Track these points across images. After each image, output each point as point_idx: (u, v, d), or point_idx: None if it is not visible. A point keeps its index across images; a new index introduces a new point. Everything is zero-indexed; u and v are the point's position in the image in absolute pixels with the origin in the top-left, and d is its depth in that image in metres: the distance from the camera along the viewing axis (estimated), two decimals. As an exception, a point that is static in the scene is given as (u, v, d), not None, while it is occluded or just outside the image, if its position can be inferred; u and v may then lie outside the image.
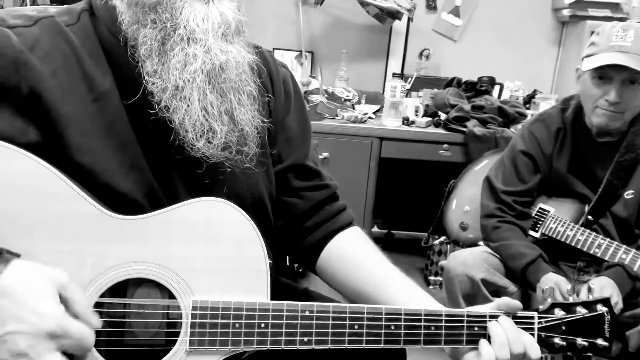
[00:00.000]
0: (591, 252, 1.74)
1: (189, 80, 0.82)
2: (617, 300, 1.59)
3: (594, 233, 1.75)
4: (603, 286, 1.60)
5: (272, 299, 0.85)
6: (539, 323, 0.92)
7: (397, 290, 0.97)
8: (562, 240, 1.81)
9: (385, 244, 3.51)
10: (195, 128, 0.83)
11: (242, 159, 0.89)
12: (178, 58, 0.81)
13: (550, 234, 1.85)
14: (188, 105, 0.82)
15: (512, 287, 1.82)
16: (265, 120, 0.95)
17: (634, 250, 1.67)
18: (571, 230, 1.79)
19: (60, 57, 0.82)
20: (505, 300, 0.91)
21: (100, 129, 0.84)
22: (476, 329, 0.89)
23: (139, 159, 0.87)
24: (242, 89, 0.87)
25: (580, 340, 0.91)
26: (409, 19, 3.25)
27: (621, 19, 2.98)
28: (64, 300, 0.71)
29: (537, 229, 1.89)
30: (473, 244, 2.07)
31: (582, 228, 1.78)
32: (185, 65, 0.81)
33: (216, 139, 0.85)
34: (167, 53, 0.82)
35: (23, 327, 0.66)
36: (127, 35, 0.84)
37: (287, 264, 1.29)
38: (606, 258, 1.71)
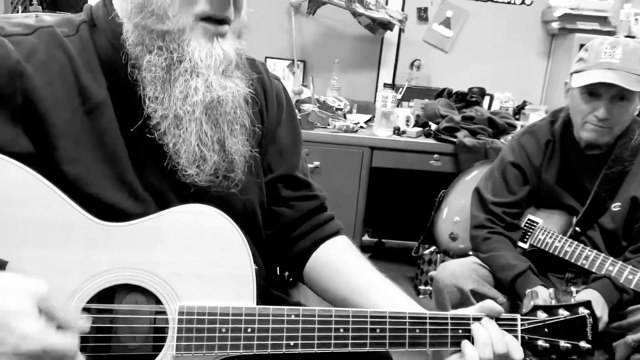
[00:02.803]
0: (579, 263, 1.75)
1: (188, 112, 0.85)
2: (601, 315, 1.60)
3: (582, 245, 1.76)
4: (591, 298, 1.61)
5: (262, 307, 0.86)
6: (522, 325, 0.93)
7: (381, 296, 0.98)
8: (550, 251, 1.82)
9: (376, 252, 3.51)
10: (189, 155, 0.86)
11: (228, 185, 0.92)
12: (181, 89, 0.84)
13: (538, 245, 1.86)
14: (185, 135, 0.85)
15: (501, 298, 1.82)
16: (256, 150, 0.98)
17: (620, 262, 1.68)
18: (559, 241, 1.80)
19: (56, 67, 0.83)
20: (488, 303, 0.93)
21: (90, 140, 0.84)
22: (460, 331, 0.91)
23: (128, 171, 0.87)
24: (235, 121, 0.90)
25: (563, 343, 0.93)
26: (401, 30, 3.28)
27: (609, 32, 3.02)
28: (45, 312, 0.69)
29: (525, 240, 1.90)
30: (463, 254, 2.07)
31: (570, 240, 1.79)
32: (187, 96, 0.84)
33: (206, 166, 0.87)
34: (170, 82, 0.84)
35: (4, 348, 0.65)
36: (129, 54, 0.85)
37: (278, 273, 1.29)
38: (593, 270, 1.72)
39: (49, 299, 0.69)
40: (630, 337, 1.61)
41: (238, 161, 0.92)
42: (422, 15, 3.41)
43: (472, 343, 0.90)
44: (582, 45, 1.82)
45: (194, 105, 0.84)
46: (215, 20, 0.84)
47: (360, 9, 3.09)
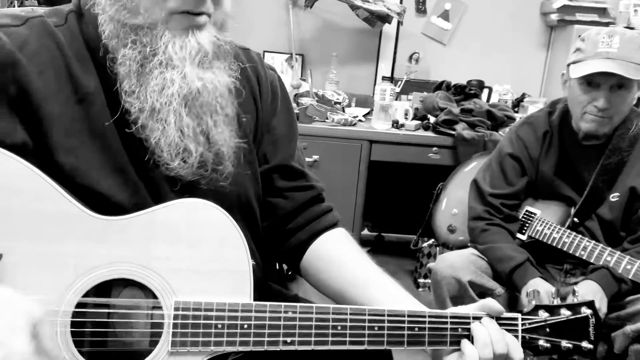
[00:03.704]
0: (577, 254, 1.75)
1: (165, 103, 0.84)
2: (599, 306, 1.60)
3: (580, 236, 1.77)
4: (587, 292, 1.62)
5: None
6: (522, 325, 0.92)
7: (379, 290, 0.98)
8: (549, 242, 1.82)
9: (375, 246, 3.51)
10: (171, 148, 0.85)
11: (218, 178, 0.91)
12: (156, 81, 0.83)
13: (536, 237, 1.86)
14: (164, 127, 0.84)
15: (499, 289, 1.83)
16: (244, 140, 0.97)
17: (618, 252, 1.69)
18: (557, 232, 1.80)
19: (47, 57, 0.83)
20: (488, 302, 0.91)
21: (84, 130, 0.84)
22: (460, 329, 0.89)
23: (123, 161, 0.87)
24: (217, 111, 0.89)
25: (564, 343, 0.91)
26: (399, 23, 3.27)
27: (608, 24, 3.01)
28: (35, 335, 0.69)
29: (524, 231, 1.90)
30: (462, 246, 2.07)
31: (568, 231, 1.79)
32: (163, 88, 0.83)
33: (191, 159, 0.87)
34: (145, 75, 0.83)
35: None
36: (107, 47, 0.85)
37: (277, 266, 1.29)
38: (591, 260, 1.72)
39: (42, 323, 0.70)
40: (629, 328, 1.61)
41: (225, 153, 0.91)
42: (421, 7, 3.40)
43: (472, 342, 0.88)
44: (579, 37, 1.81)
45: (171, 96, 0.83)
46: (191, 13, 0.83)
47: (358, 1, 3.08)
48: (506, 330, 0.90)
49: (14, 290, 0.71)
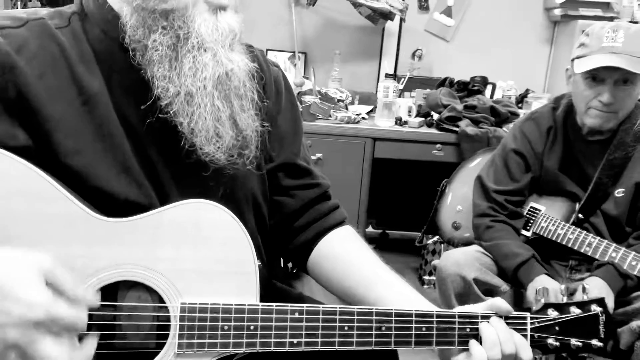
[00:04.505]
0: (582, 250, 1.75)
1: (200, 88, 0.84)
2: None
3: (585, 232, 1.76)
4: (593, 289, 1.61)
5: (265, 302, 0.85)
6: (531, 324, 0.91)
7: (386, 288, 0.97)
8: (553, 239, 1.81)
9: (380, 243, 3.51)
10: (205, 133, 0.85)
11: (244, 162, 0.91)
12: (190, 65, 0.83)
13: (541, 233, 1.85)
14: (200, 112, 0.84)
15: (504, 286, 1.83)
16: (265, 124, 0.97)
17: (623, 248, 1.68)
18: (562, 229, 1.80)
19: (48, 59, 0.82)
20: (497, 302, 0.91)
21: (89, 131, 0.84)
22: (468, 329, 0.89)
23: (130, 162, 0.87)
24: (244, 95, 0.90)
25: (574, 341, 0.91)
26: (401, 20, 3.26)
27: (612, 18, 2.99)
28: (51, 285, 0.68)
29: (528, 228, 1.90)
30: (466, 243, 2.07)
31: (573, 227, 1.79)
32: (196, 72, 0.84)
33: (223, 144, 0.87)
34: (178, 59, 0.83)
35: (10, 319, 0.65)
36: (130, 37, 0.84)
37: (282, 264, 1.29)
38: (596, 256, 1.72)
39: (54, 271, 0.69)
40: (635, 323, 1.60)
41: (251, 136, 0.91)
42: (423, 4, 3.39)
43: (480, 342, 0.88)
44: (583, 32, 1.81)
45: (205, 80, 0.84)
46: None
47: (360, -1, 3.07)
48: (515, 329, 0.90)
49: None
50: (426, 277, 3.01)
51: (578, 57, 1.73)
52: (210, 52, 0.83)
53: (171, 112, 0.85)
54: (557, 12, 3.22)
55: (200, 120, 0.85)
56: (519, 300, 1.86)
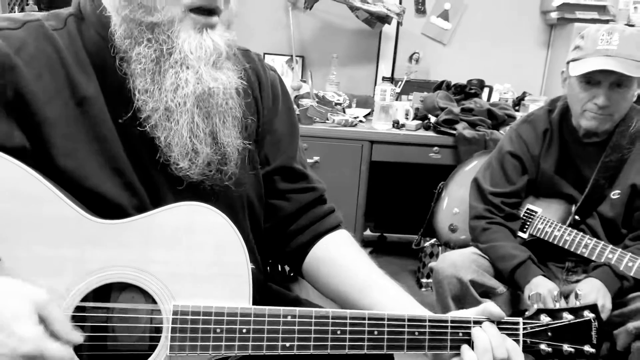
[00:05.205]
0: (578, 252, 1.75)
1: (180, 104, 0.84)
2: (603, 303, 1.60)
3: (581, 233, 1.76)
4: (590, 290, 1.62)
5: (261, 305, 0.85)
6: (524, 329, 0.91)
7: (381, 293, 0.97)
8: (550, 240, 1.82)
9: (378, 246, 3.51)
10: (181, 149, 0.86)
11: (222, 178, 0.91)
12: (171, 81, 0.83)
13: (538, 235, 1.85)
14: (177, 127, 0.85)
15: (501, 288, 1.83)
16: (248, 142, 0.97)
17: (619, 249, 1.69)
18: (558, 230, 1.80)
19: (45, 61, 0.83)
20: (489, 307, 0.91)
21: (83, 133, 0.84)
22: (460, 334, 0.89)
23: (123, 164, 0.87)
24: (227, 113, 0.90)
25: (566, 347, 0.91)
26: (399, 23, 3.27)
27: (608, 21, 3.00)
28: (43, 320, 0.71)
29: (525, 229, 1.90)
30: (463, 245, 2.07)
31: (570, 228, 1.79)
32: (177, 88, 0.84)
33: (199, 160, 0.87)
34: (160, 74, 0.84)
35: (3, 350, 0.67)
36: (117, 47, 0.85)
37: (279, 268, 1.29)
38: (593, 258, 1.72)
39: (47, 307, 0.71)
40: (632, 325, 1.60)
41: (231, 153, 0.91)
42: (420, 8, 3.40)
43: (472, 347, 0.88)
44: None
45: (185, 97, 0.84)
46: (205, 11, 0.84)
47: (357, 2, 3.08)
48: (507, 334, 0.90)
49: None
50: (424, 280, 3.01)
51: (573, 60, 1.73)
52: (192, 69, 0.84)
53: (148, 126, 0.85)
54: (554, 15, 3.23)
55: (176, 136, 0.85)
56: (515, 302, 1.86)
